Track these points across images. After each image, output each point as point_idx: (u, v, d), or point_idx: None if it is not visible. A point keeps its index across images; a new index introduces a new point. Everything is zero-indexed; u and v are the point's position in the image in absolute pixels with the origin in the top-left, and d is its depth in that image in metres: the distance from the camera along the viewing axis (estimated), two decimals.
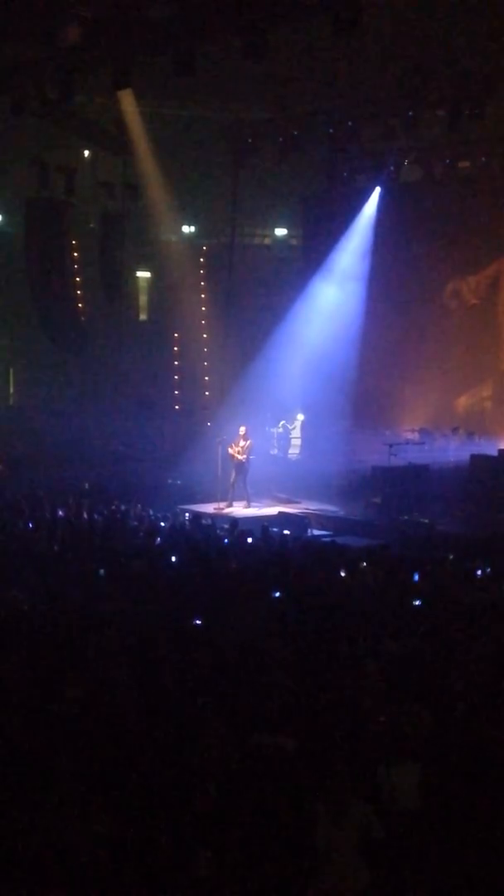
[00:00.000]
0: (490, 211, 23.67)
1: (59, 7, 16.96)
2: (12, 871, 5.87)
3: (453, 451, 22.84)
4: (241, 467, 20.02)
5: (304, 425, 24.96)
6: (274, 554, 14.49)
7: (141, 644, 9.61)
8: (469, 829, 6.40)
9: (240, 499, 20.06)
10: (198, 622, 10.57)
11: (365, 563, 13.62)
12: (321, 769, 6.63)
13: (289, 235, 28.74)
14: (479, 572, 13.27)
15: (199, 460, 21.41)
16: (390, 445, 20.15)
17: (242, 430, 20.19)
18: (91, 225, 26.91)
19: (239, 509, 19.75)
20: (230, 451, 19.95)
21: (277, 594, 11.90)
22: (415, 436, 23.49)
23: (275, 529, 17.30)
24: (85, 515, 18.16)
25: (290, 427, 24.93)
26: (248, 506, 19.96)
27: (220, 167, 25.40)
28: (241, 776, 6.76)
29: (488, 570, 13.39)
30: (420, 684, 8.56)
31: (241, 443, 20.01)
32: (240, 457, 19.89)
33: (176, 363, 28.20)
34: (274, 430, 24.58)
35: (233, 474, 20.06)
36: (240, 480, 20.07)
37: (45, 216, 24.44)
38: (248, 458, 20.03)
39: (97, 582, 12.73)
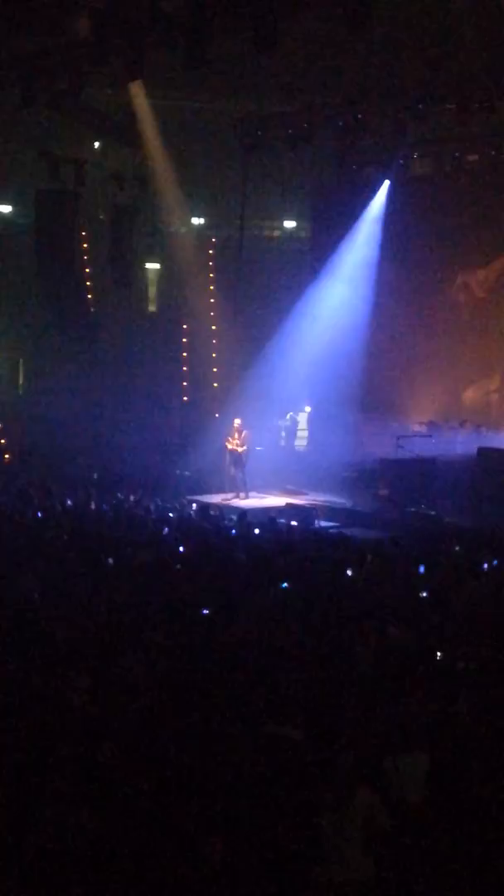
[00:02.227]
0: (499, 204, 23.63)
1: None
2: (14, 863, 5.92)
3: (461, 443, 22.84)
4: (238, 459, 20.14)
5: (311, 417, 24.98)
6: (281, 545, 14.56)
7: (148, 634, 9.68)
8: (475, 821, 6.45)
9: (242, 490, 20.18)
10: (205, 612, 10.65)
11: (372, 555, 13.69)
12: (327, 759, 6.70)
13: (298, 228, 28.72)
14: (485, 565, 13.32)
15: (208, 452, 21.49)
16: (398, 438, 20.21)
17: (237, 422, 20.33)
18: (101, 216, 26.92)
19: (246, 500, 19.85)
20: (227, 444, 20.07)
21: (284, 585, 11.96)
22: (422, 428, 23.50)
23: (282, 521, 17.37)
24: (93, 505, 18.25)
25: (298, 419, 24.97)
26: (246, 497, 20.05)
27: (229, 159, 25.36)
28: (248, 765, 6.82)
29: (495, 562, 13.44)
30: (426, 675, 8.62)
31: (237, 435, 20.12)
32: (239, 449, 20.00)
33: (184, 354, 28.22)
34: (281, 421, 24.62)
35: (231, 468, 20.19)
36: (239, 472, 20.18)
37: (54, 207, 24.45)
38: (247, 450, 20.13)
39: (105, 572, 12.80)
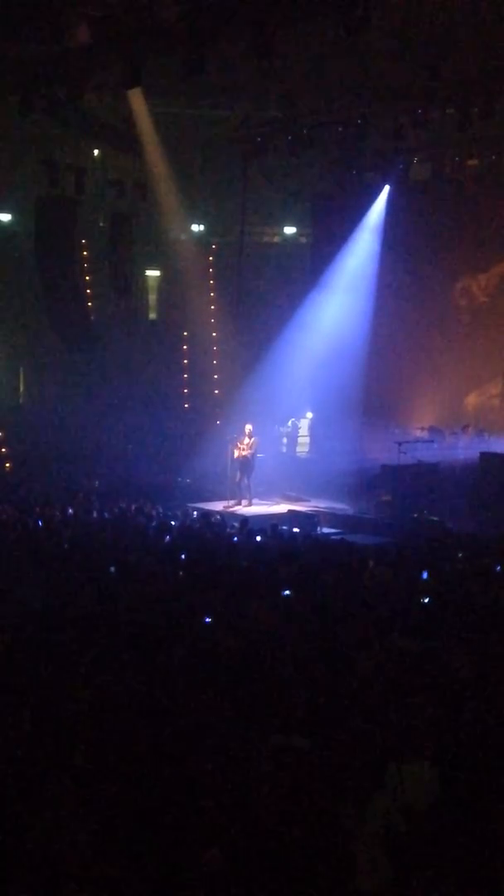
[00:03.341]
0: (500, 208, 23.66)
1: (68, 6, 16.98)
2: (12, 869, 5.89)
3: (463, 448, 22.85)
4: (246, 465, 20.08)
5: (313, 423, 24.96)
6: (283, 552, 14.51)
7: (151, 642, 9.64)
8: (483, 829, 6.38)
9: (246, 497, 20.13)
10: (207, 620, 10.60)
11: (374, 562, 13.64)
12: (339, 767, 6.64)
13: (298, 234, 28.71)
14: (488, 570, 13.26)
15: (209, 459, 21.46)
16: (400, 443, 20.17)
17: (248, 428, 20.30)
18: (101, 223, 26.90)
19: (248, 507, 19.81)
20: (236, 450, 20.04)
21: (287, 592, 11.91)
22: (424, 434, 23.49)
23: (284, 528, 17.33)
24: (95, 514, 18.21)
25: (299, 425, 24.94)
26: (251, 504, 20.00)
27: (229, 166, 25.39)
28: (253, 774, 6.77)
29: (498, 567, 13.39)
30: (429, 682, 8.57)
31: (247, 440, 20.08)
32: (246, 453, 19.96)
33: (185, 361, 28.21)
34: (283, 428, 24.59)
35: (238, 473, 20.14)
36: (245, 478, 20.13)
37: (54, 215, 24.45)
38: (253, 456, 20.10)
39: (107, 580, 12.75)
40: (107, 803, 6.42)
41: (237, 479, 20.25)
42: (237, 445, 20.13)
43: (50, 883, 5.76)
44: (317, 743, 7.24)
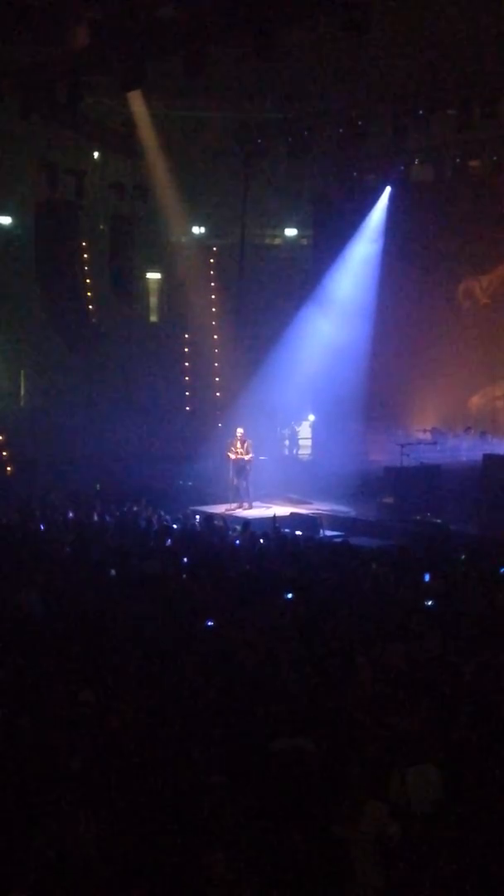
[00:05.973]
0: (501, 210, 23.61)
1: (68, 9, 16.96)
2: (17, 872, 5.86)
3: (466, 450, 22.80)
4: (242, 469, 20.05)
5: (315, 426, 24.90)
6: (286, 555, 14.47)
7: (153, 646, 9.61)
8: (485, 833, 6.34)
9: (246, 500, 20.09)
10: (210, 623, 10.56)
11: (377, 564, 13.59)
12: (336, 771, 6.60)
13: (299, 235, 28.68)
14: (491, 572, 13.21)
15: (210, 462, 21.41)
16: (402, 445, 20.10)
17: (240, 431, 20.27)
18: (101, 227, 26.89)
19: (250, 510, 19.76)
20: (230, 454, 20.00)
21: (290, 595, 11.87)
22: (427, 436, 23.44)
23: (287, 530, 17.27)
24: (96, 517, 18.18)
25: (298, 428, 24.88)
26: (250, 507, 19.96)
27: (229, 168, 25.36)
28: (255, 778, 6.73)
29: (501, 570, 13.33)
30: (432, 685, 8.53)
31: (240, 444, 20.05)
32: (246, 457, 19.92)
33: (186, 364, 28.18)
34: (285, 430, 24.53)
35: (235, 477, 20.10)
36: (243, 481, 20.09)
37: (54, 218, 24.43)
38: (251, 459, 20.06)
39: (108, 583, 12.72)
40: (110, 806, 6.40)
41: (235, 483, 20.21)
42: (231, 449, 20.11)
43: (54, 885, 5.74)
44: (321, 746, 7.21)
